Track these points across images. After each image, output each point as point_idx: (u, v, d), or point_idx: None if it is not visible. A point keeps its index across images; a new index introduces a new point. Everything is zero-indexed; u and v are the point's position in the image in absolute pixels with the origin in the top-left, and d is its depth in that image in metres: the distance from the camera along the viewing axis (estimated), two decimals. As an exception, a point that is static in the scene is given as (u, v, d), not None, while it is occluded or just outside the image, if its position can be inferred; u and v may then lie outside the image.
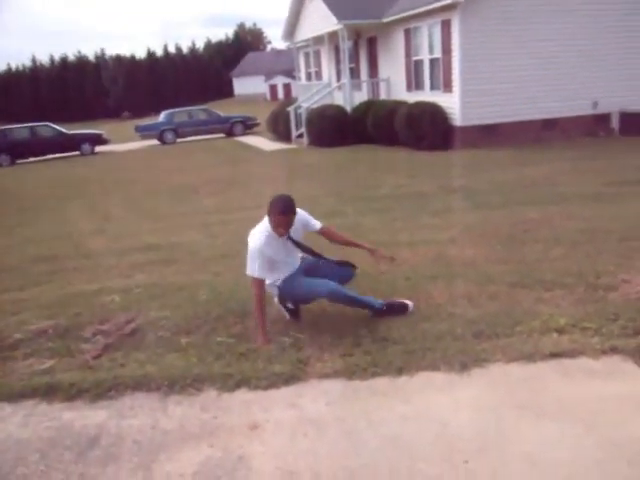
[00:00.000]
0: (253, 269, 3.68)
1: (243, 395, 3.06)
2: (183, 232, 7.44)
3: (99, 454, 2.68)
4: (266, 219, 3.70)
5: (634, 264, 4.53)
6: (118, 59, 78.12)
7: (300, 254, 4.00)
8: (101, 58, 79.81)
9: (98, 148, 23.39)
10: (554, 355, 3.12)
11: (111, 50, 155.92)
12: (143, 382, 3.26)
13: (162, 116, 24.87)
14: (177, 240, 6.99)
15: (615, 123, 14.47)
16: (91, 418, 2.99)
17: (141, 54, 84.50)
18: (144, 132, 24.70)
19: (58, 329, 4.22)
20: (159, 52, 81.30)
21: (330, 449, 2.53)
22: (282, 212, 3.57)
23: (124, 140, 27.30)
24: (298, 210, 3.74)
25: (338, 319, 3.83)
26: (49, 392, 3.27)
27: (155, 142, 24.39)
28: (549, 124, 13.59)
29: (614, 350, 3.13)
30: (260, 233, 3.70)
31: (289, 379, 3.14)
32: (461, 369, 3.06)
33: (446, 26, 12.97)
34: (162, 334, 3.97)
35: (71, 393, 3.23)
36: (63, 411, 3.09)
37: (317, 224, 3.94)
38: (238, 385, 3.15)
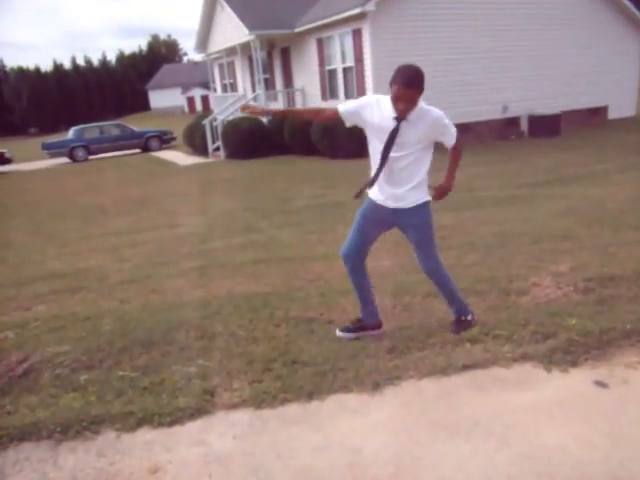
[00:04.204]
0: (344, 103, 3.37)
1: (145, 434, 2.82)
2: (91, 257, 7.02)
3: (-25, 521, 2.37)
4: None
5: (545, 266, 4.63)
6: (21, 72, 73.72)
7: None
8: (1, 70, 75.16)
9: (0, 168, 22.03)
10: (467, 367, 3.06)
11: (11, 61, 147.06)
12: (32, 430, 2.93)
13: (71, 132, 23.74)
14: (84, 266, 6.56)
15: (524, 126, 15.16)
16: (-32, 479, 2.66)
17: (46, 67, 79.76)
18: (52, 150, 23.48)
19: (-59, 374, 3.80)
20: (67, 64, 77.82)
21: (236, 490, 2.35)
22: (405, 84, 2.96)
23: (31, 159, 25.90)
24: (438, 112, 3.15)
25: (249, 342, 3.65)
26: None
27: (65, 160, 23.27)
28: (463, 129, 13.96)
29: (525, 357, 3.12)
30: (379, 96, 3.23)
31: (194, 413, 2.92)
32: (373, 389, 2.94)
33: (357, 35, 13.14)
34: (59, 372, 3.64)
35: (-53, 451, 2.87)
36: (-63, 472, 2.74)
37: (452, 141, 3.39)
38: (140, 424, 2.89)
